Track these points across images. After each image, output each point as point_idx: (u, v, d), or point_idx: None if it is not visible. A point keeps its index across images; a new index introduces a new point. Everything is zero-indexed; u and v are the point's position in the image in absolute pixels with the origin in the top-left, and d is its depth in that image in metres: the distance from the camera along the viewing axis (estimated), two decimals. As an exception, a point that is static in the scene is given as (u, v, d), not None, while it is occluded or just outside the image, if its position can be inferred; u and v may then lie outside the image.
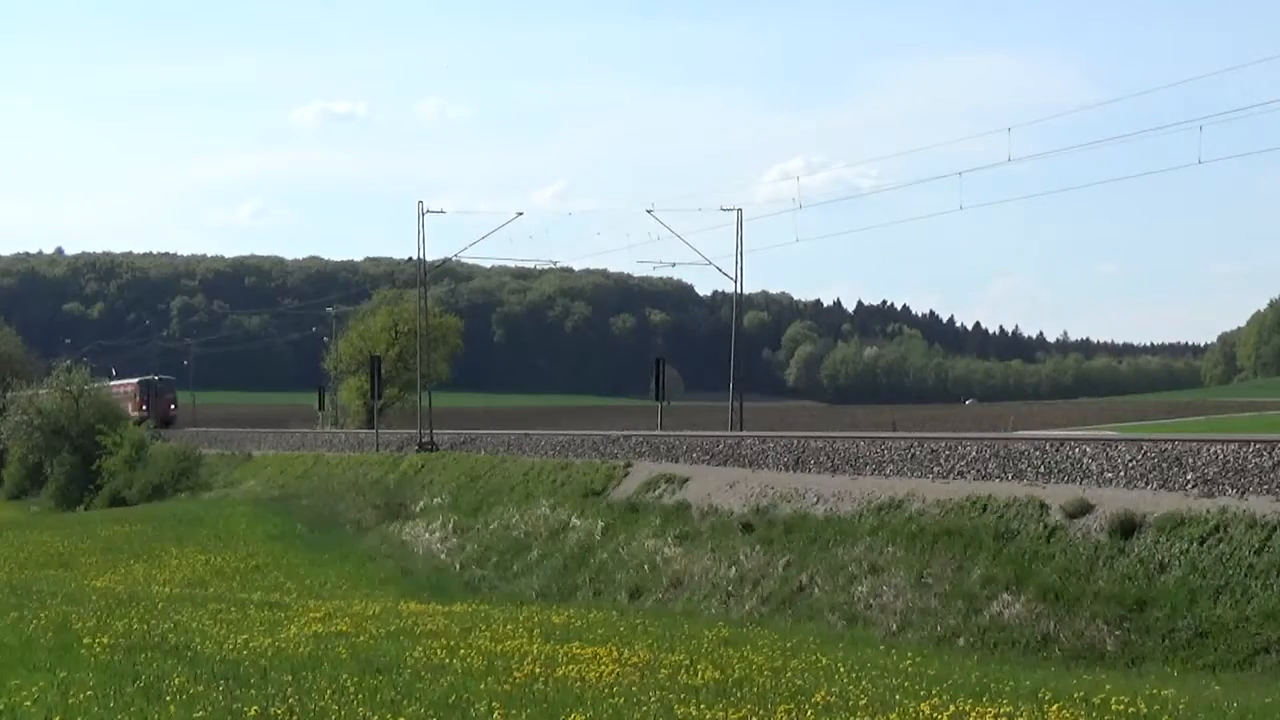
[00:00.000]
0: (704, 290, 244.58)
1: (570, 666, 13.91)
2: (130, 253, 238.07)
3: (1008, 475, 23.96)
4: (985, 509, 22.80)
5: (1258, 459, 19.94)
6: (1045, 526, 21.43)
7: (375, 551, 38.93)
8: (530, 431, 49.13)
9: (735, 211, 53.27)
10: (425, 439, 50.70)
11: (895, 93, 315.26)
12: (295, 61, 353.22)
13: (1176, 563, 18.87)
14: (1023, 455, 24.25)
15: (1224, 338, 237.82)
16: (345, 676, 12.63)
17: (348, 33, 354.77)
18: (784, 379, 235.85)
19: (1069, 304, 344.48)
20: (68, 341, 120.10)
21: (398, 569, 35.97)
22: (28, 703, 11.27)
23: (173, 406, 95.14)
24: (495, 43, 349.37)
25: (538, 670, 13.59)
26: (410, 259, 63.50)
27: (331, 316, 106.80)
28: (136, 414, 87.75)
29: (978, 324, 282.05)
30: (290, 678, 12.62)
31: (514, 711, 11.04)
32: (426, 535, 39.09)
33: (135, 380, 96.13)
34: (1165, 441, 22.84)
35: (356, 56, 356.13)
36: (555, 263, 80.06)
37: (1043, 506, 21.81)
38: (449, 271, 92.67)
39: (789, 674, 13.94)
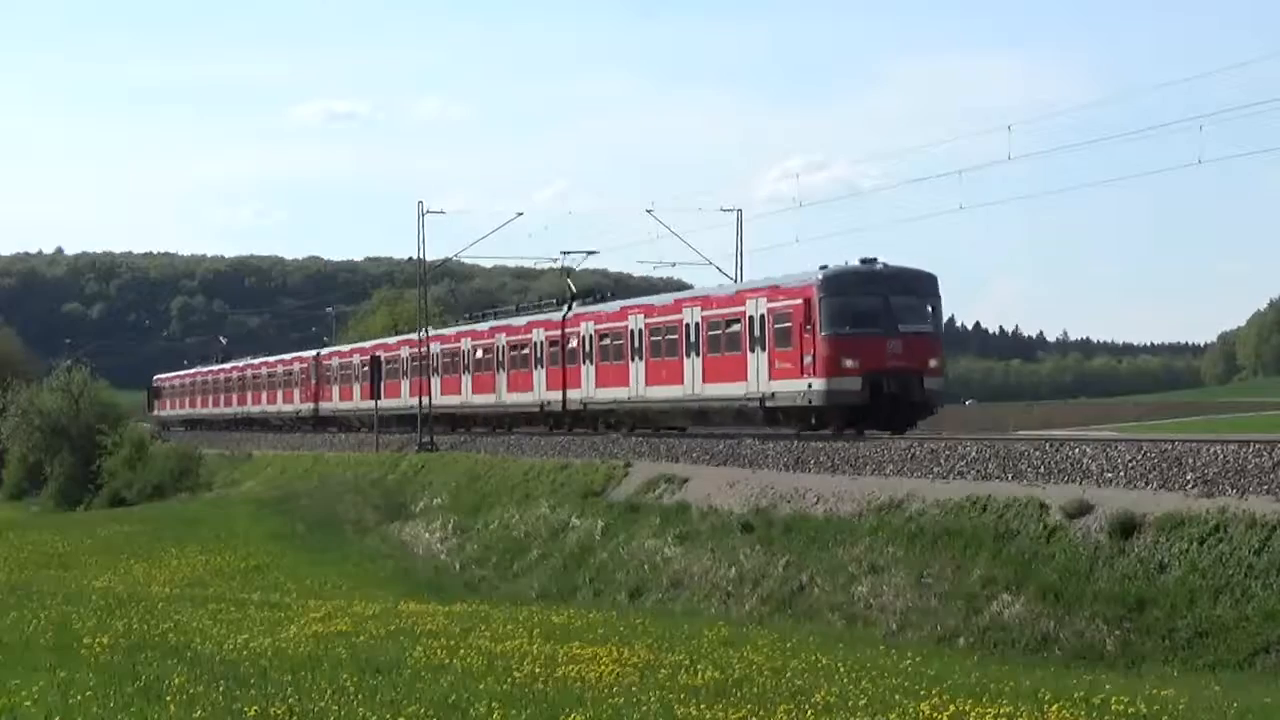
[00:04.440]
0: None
1: (570, 666, 13.91)
2: (130, 253, 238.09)
3: (1008, 475, 23.94)
4: (985, 509, 22.78)
5: (1258, 459, 19.93)
6: (1045, 526, 21.40)
7: (375, 551, 38.95)
8: (530, 431, 49.10)
9: (735, 212, 53.15)
10: (425, 439, 50.68)
11: (896, 92, 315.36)
12: (295, 61, 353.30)
13: (1176, 563, 18.85)
14: (1023, 455, 24.23)
15: (1224, 338, 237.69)
16: (345, 676, 12.64)
17: (348, 32, 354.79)
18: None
19: (1069, 304, 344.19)
20: (68, 341, 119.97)
21: (398, 569, 35.99)
22: (28, 703, 11.28)
23: (933, 362, 32.86)
24: (495, 43, 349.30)
25: (538, 670, 13.59)
26: (410, 259, 63.53)
27: (331, 316, 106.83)
28: (802, 382, 32.37)
29: (978, 324, 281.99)
30: (290, 678, 12.63)
31: (514, 711, 11.05)
32: (426, 535, 39.11)
33: (807, 280, 32.95)
34: (1165, 441, 22.84)
35: (357, 56, 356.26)
36: (555, 261, 79.87)
37: (1043, 506, 21.78)
38: (449, 271, 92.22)
39: (789, 674, 13.94)
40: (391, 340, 62.09)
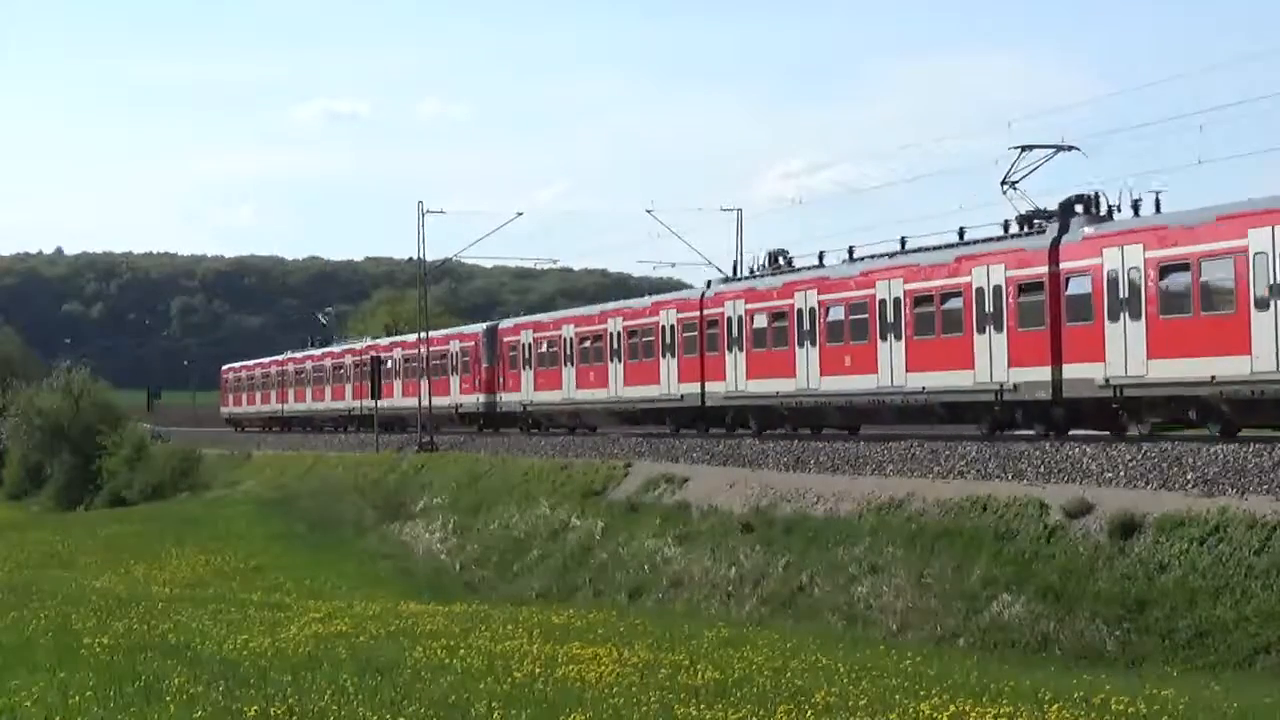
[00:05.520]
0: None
1: (570, 666, 13.91)
2: (130, 253, 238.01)
3: (1008, 475, 23.96)
4: (985, 509, 22.80)
5: (1258, 459, 19.94)
6: (1045, 526, 21.43)
7: (375, 551, 39.00)
8: (530, 431, 49.11)
9: (735, 212, 52.97)
10: (425, 439, 50.70)
11: (896, 92, 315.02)
12: (295, 61, 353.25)
13: (1176, 563, 18.87)
14: (1023, 455, 24.25)
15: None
16: (345, 676, 12.63)
17: (348, 32, 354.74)
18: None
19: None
20: (68, 341, 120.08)
21: (398, 569, 36.04)
22: (28, 703, 11.28)
23: None
24: (495, 43, 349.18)
25: (538, 670, 13.59)
26: (410, 259, 63.54)
27: (331, 316, 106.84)
28: None
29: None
30: (290, 678, 12.63)
31: (514, 711, 11.05)
32: (426, 535, 39.14)
33: None
34: (1165, 441, 22.85)
35: (357, 56, 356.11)
36: (555, 261, 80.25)
37: (1043, 506, 21.80)
38: (449, 271, 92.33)
39: (789, 674, 13.94)
40: (640, 303, 42.89)
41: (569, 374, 44.88)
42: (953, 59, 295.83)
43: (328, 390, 69.73)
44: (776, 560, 25.48)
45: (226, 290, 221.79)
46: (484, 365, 51.10)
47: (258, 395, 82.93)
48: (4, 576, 32.08)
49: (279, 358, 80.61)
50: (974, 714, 11.25)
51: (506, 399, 49.25)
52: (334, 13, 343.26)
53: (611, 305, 45.00)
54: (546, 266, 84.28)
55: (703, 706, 11.43)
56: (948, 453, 26.07)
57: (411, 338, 59.17)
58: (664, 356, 39.48)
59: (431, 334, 56.09)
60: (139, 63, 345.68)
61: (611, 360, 42.24)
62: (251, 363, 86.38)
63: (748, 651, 16.35)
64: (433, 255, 61.61)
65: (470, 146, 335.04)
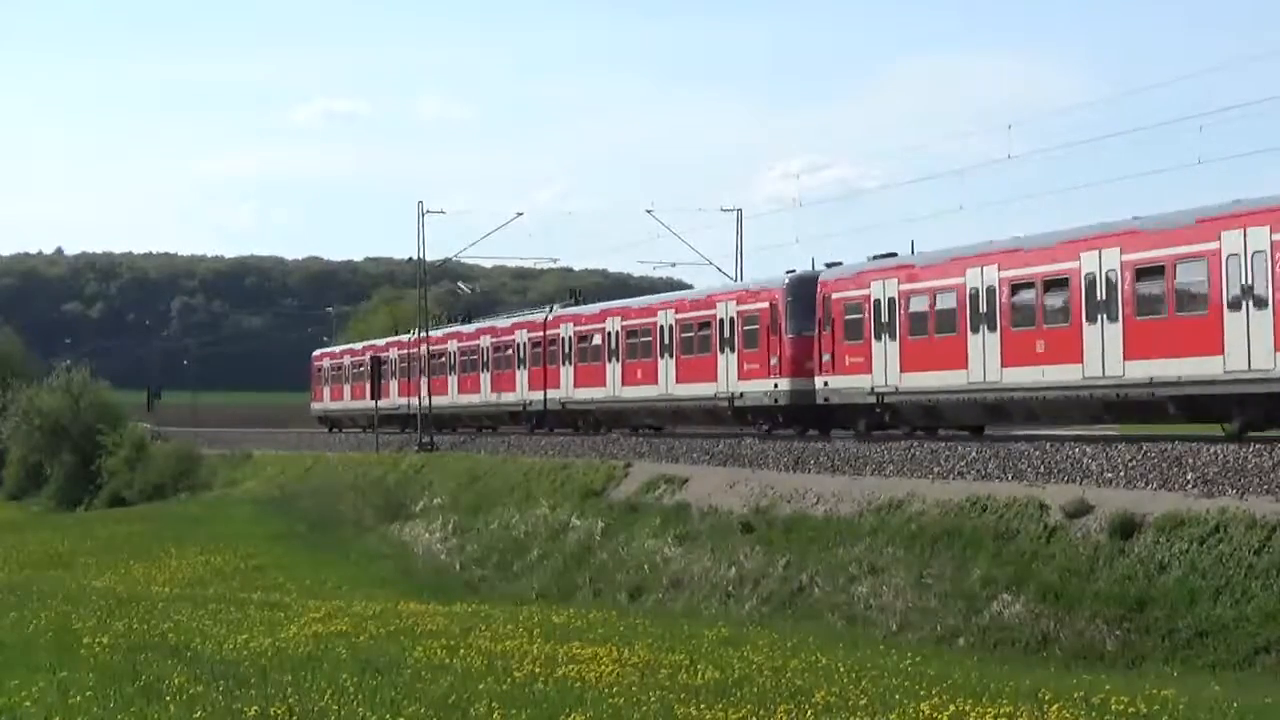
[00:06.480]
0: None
1: (570, 666, 13.92)
2: (130, 253, 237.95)
3: (1008, 475, 23.95)
4: (985, 509, 22.80)
5: (1258, 459, 19.93)
6: (1045, 526, 21.42)
7: (375, 551, 39.01)
8: (530, 431, 49.07)
9: (735, 212, 52.65)
10: (425, 439, 50.69)
11: (896, 92, 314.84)
12: (295, 61, 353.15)
13: (1176, 563, 18.86)
14: (1023, 455, 24.24)
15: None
16: (345, 676, 12.64)
17: (348, 32, 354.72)
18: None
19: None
20: (68, 342, 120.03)
21: (398, 569, 36.05)
22: (28, 703, 11.29)
23: None
24: (495, 43, 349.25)
25: (538, 670, 13.60)
26: (410, 259, 63.38)
27: (332, 316, 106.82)
28: None
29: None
30: (290, 678, 12.63)
31: (514, 711, 11.05)
32: (426, 535, 39.15)
33: None
34: (1165, 441, 22.85)
35: (357, 56, 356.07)
36: (555, 261, 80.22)
37: (1043, 506, 21.80)
38: (449, 271, 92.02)
39: (789, 674, 13.95)
40: (1170, 223, 24.81)
41: (983, 343, 28.34)
42: (953, 59, 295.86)
43: (484, 379, 51.90)
44: (776, 560, 25.48)
45: (226, 290, 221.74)
46: (788, 336, 34.70)
47: (365, 387, 62.87)
48: (4, 576, 32.11)
49: (398, 339, 64.43)
50: (974, 714, 11.25)
51: (838, 384, 32.77)
52: (334, 13, 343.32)
53: (1074, 230, 27.26)
54: (546, 266, 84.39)
55: (703, 706, 11.44)
56: (948, 453, 26.08)
57: (676, 297, 43.52)
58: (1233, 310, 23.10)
59: (673, 297, 42.65)
60: (139, 63, 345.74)
61: (1090, 318, 25.79)
62: (360, 345, 71.03)
63: (748, 651, 16.36)
64: (433, 255, 61.12)
65: (470, 146, 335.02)
